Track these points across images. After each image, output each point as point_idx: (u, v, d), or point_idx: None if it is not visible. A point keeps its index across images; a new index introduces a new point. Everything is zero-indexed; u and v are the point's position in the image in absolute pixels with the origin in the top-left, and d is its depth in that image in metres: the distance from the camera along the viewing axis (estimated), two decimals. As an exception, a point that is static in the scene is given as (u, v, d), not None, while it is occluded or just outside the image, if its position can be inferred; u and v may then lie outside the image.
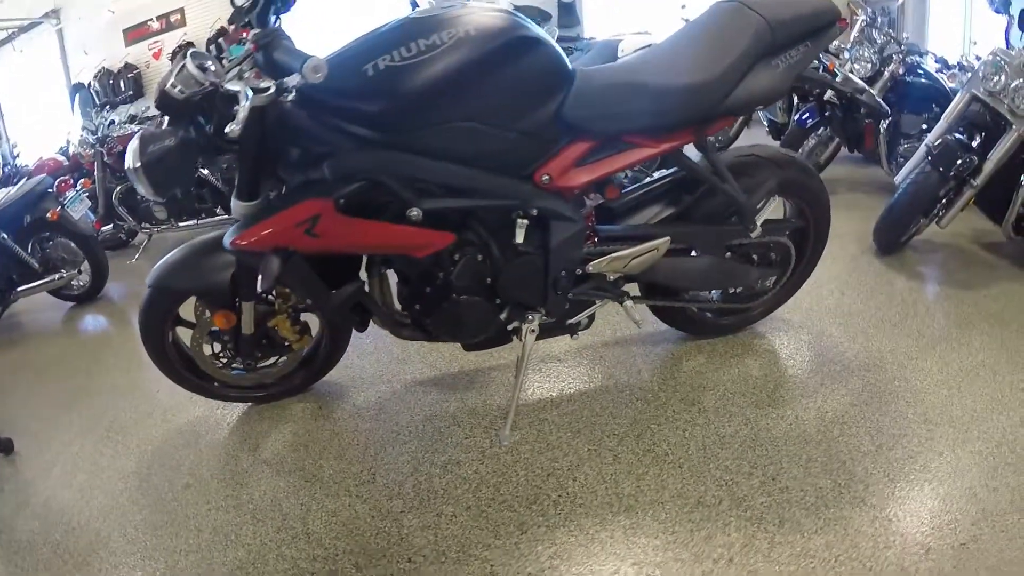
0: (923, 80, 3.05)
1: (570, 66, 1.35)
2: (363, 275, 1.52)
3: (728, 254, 1.66)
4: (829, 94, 2.85)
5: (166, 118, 1.18)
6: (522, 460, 1.51)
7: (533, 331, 1.51)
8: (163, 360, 1.63)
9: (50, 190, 3.09)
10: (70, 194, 3.17)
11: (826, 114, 3.01)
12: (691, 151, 1.52)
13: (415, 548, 1.31)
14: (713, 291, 1.81)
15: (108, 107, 5.97)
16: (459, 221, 1.37)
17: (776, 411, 1.57)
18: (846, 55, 3.07)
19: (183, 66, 1.09)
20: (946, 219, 2.24)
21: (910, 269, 2.34)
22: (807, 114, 3.05)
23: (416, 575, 1.25)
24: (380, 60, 1.16)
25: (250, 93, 1.05)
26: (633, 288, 1.68)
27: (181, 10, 6.27)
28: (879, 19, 3.22)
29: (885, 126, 2.91)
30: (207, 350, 1.67)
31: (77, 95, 6.78)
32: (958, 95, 2.25)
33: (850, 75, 2.83)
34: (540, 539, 1.29)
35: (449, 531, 1.34)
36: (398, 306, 1.57)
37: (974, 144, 2.20)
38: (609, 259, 1.46)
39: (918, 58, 3.24)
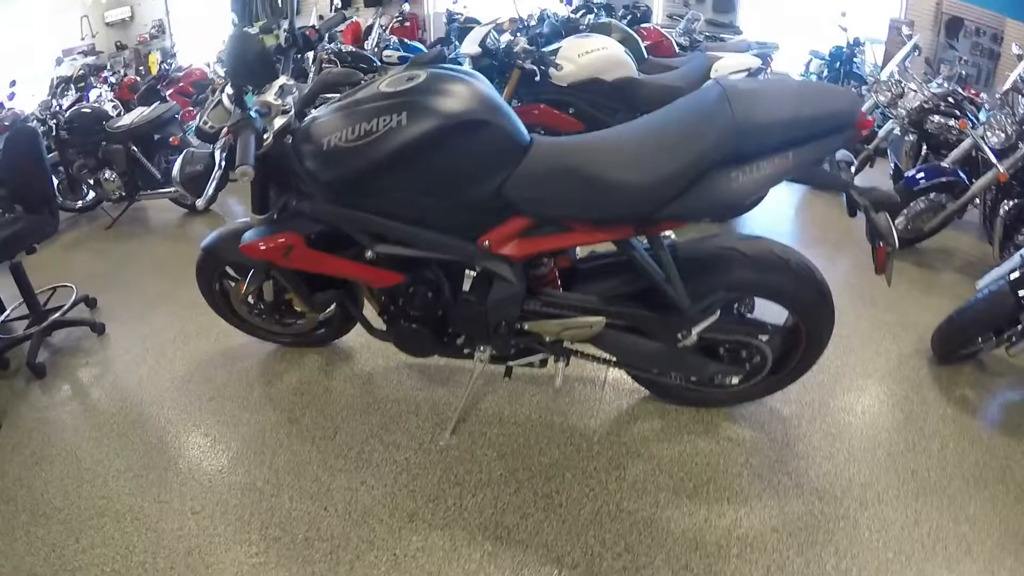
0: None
1: (525, 137, 1.45)
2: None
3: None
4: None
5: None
6: (444, 462, 1.80)
7: (482, 360, 1.74)
8: (211, 301, 2.20)
9: (176, 116, 4.00)
10: (192, 123, 4.03)
11: (949, 179, 2.65)
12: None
13: (332, 501, 1.72)
14: None
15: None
16: (413, 262, 1.58)
17: (691, 505, 1.64)
18: (983, 116, 2.64)
19: (219, 102, 1.50)
20: (1016, 349, 1.94)
21: (956, 390, 2.07)
22: (923, 173, 2.70)
23: (325, 521, 1.66)
24: (331, 138, 1.38)
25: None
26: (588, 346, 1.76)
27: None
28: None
29: (1008, 207, 2.49)
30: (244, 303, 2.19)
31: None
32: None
33: (982, 140, 2.48)
34: (418, 531, 1.60)
35: (361, 498, 1.71)
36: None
37: None
38: (541, 324, 1.60)
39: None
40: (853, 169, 1.52)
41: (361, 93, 1.45)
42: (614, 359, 1.76)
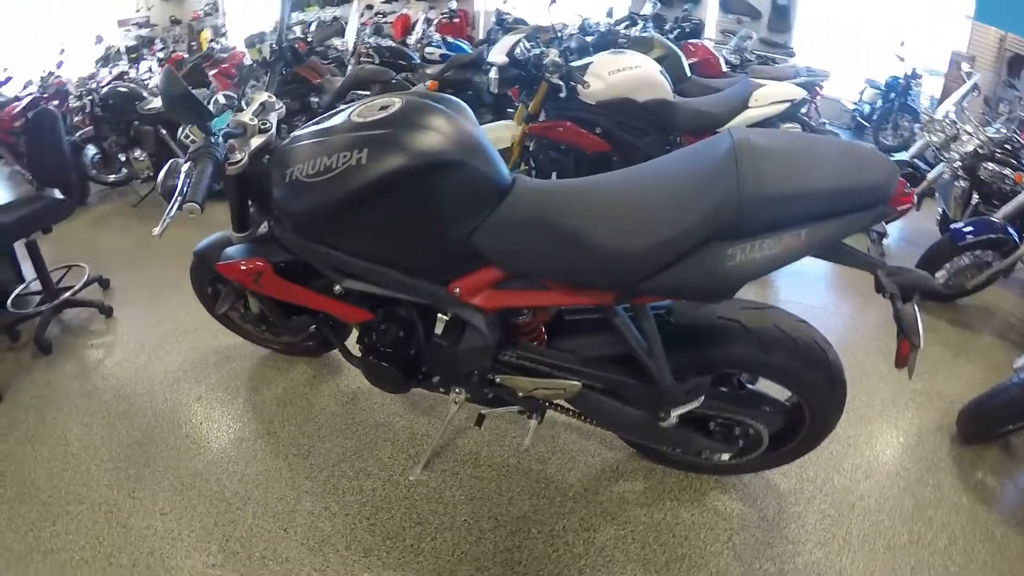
0: None
1: (506, 178, 1.33)
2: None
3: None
4: None
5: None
6: (410, 498, 1.77)
7: (456, 402, 1.67)
8: (204, 303, 2.20)
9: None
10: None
11: (998, 236, 2.45)
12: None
13: (294, 523, 1.72)
14: None
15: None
16: (384, 300, 1.49)
17: (659, 579, 1.56)
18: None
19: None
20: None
21: (975, 476, 1.90)
22: (971, 228, 2.50)
23: (284, 543, 1.66)
24: (292, 170, 1.30)
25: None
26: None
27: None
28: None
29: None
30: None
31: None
32: None
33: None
34: (371, 568, 1.59)
35: (322, 524, 1.70)
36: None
37: None
38: (514, 379, 1.50)
39: None
40: (885, 241, 1.37)
41: (335, 119, 1.37)
42: (592, 422, 1.66)
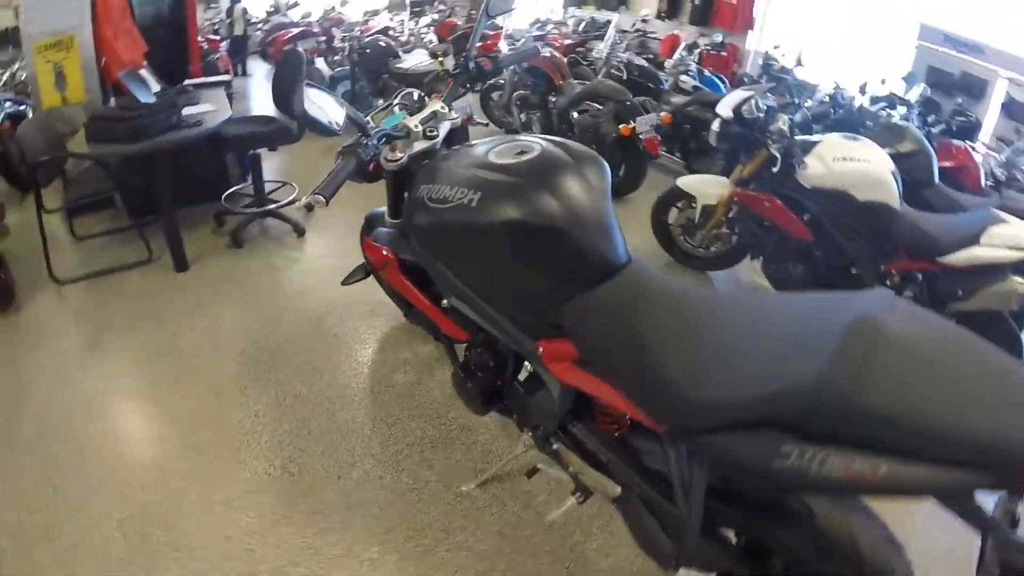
0: None
1: (619, 258, 1.25)
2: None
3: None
4: None
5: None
6: (452, 505, 1.83)
7: (525, 444, 1.59)
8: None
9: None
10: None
11: None
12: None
13: (348, 476, 1.91)
14: None
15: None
16: (483, 327, 1.51)
17: None
18: None
19: (390, 105, 1.61)
20: None
21: None
22: None
23: (328, 486, 1.86)
24: (423, 188, 1.38)
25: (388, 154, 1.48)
26: None
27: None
28: None
29: None
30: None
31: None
32: None
33: None
34: (384, 544, 1.68)
35: (368, 488, 1.87)
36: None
37: None
38: (567, 453, 1.45)
39: None
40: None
41: (476, 150, 1.42)
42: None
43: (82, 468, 1.95)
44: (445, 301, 1.60)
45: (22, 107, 4.18)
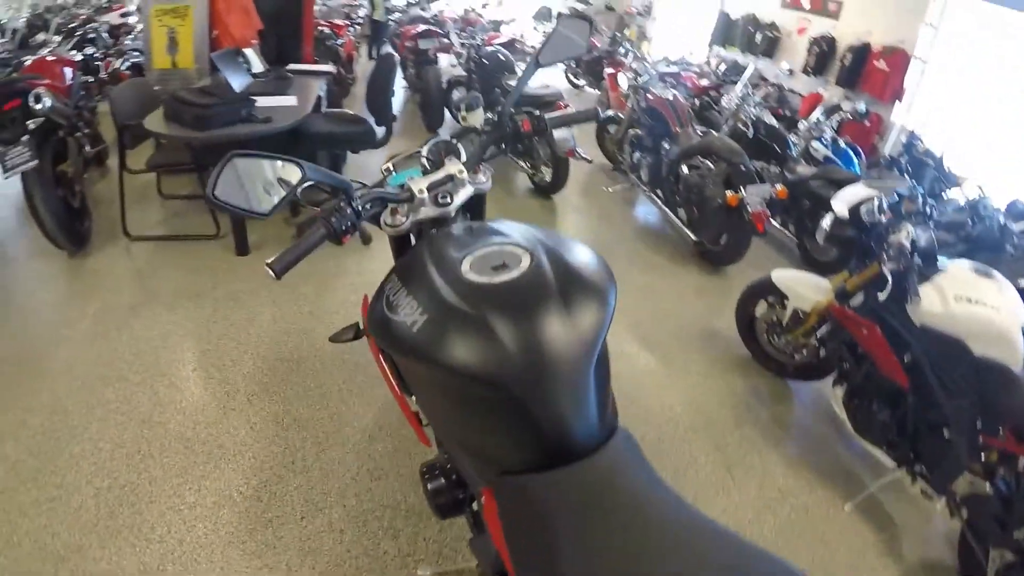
0: None
1: (594, 433, 0.96)
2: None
3: None
4: None
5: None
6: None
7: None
8: None
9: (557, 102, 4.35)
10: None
11: None
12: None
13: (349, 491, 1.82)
14: None
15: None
16: None
17: None
18: None
19: (416, 154, 1.45)
20: None
21: None
22: None
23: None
24: (394, 279, 1.16)
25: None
26: None
27: (840, 3, 6.49)
28: None
29: None
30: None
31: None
32: None
33: None
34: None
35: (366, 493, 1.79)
36: None
37: None
38: None
39: None
40: None
41: (460, 247, 1.14)
42: None
43: (85, 429, 2.12)
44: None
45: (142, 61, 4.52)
